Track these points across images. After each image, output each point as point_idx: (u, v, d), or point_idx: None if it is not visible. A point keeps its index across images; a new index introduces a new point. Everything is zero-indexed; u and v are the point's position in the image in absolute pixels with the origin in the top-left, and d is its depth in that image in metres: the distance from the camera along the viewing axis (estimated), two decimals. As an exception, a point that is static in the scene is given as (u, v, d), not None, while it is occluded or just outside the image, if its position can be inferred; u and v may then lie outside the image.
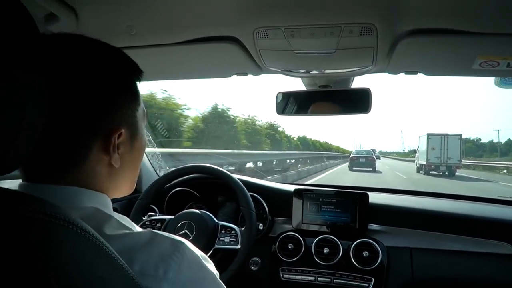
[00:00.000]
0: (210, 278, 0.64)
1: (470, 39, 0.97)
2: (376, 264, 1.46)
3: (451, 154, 22.06)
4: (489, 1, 0.84)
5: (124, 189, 0.71)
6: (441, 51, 1.07)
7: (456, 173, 21.76)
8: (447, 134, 22.95)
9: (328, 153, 36.33)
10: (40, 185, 0.60)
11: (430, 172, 21.98)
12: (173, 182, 1.71)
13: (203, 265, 0.63)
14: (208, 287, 0.63)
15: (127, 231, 0.60)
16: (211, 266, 0.66)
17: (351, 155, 24.92)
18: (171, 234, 0.63)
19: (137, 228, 0.62)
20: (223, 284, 0.66)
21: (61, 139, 0.58)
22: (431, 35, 0.97)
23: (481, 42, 0.98)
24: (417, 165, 24.88)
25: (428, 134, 22.98)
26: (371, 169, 22.09)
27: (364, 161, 23.01)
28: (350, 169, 22.52)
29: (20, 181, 0.62)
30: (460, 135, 23.14)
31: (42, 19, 0.95)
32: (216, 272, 0.66)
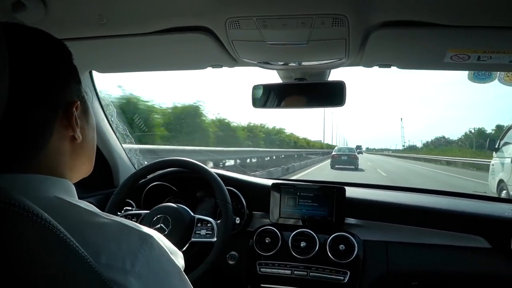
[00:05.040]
0: (176, 272, 0.64)
1: (440, 31, 0.98)
2: (352, 258, 1.47)
3: None
4: None
5: (85, 168, 0.73)
6: (412, 44, 1.08)
7: None
8: None
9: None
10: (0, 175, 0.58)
11: None
12: (149, 176, 1.70)
13: (170, 258, 0.63)
14: (173, 281, 0.63)
15: (94, 221, 0.59)
16: (178, 259, 0.66)
17: (333, 153, 23.87)
18: (140, 226, 0.62)
19: (104, 217, 0.61)
20: (187, 279, 0.66)
21: (23, 122, 0.58)
22: (402, 28, 0.98)
23: (451, 34, 1.00)
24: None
25: None
26: (353, 166, 21.44)
27: (346, 159, 22.05)
28: (332, 167, 21.53)
29: None
30: None
31: (10, 7, 0.93)
32: (182, 265, 0.67)
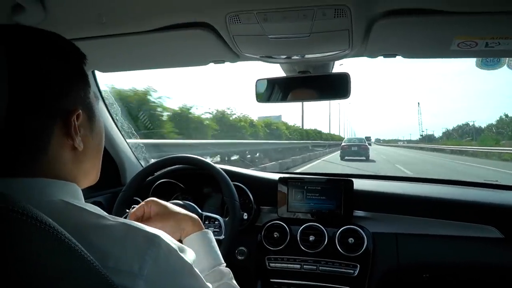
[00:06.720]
0: (186, 270, 0.63)
1: (447, 19, 0.95)
2: (362, 251, 1.46)
3: None
4: None
5: (91, 176, 0.71)
6: (418, 32, 1.05)
7: None
8: None
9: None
10: (5, 180, 0.57)
11: None
12: (156, 173, 1.70)
13: (179, 256, 0.62)
14: (184, 279, 0.62)
15: (100, 224, 0.58)
16: (188, 255, 0.66)
17: (343, 144, 23.11)
18: (146, 227, 0.62)
19: (110, 220, 0.60)
20: (200, 274, 0.66)
21: (19, 127, 0.57)
22: (406, 16, 0.95)
23: (457, 22, 0.97)
24: None
25: None
26: (364, 158, 20.86)
27: (357, 150, 21.35)
28: (342, 158, 20.88)
29: None
30: None
31: (9, 10, 0.93)
32: (192, 258, 0.67)
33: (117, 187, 1.75)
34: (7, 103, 0.50)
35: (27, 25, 0.63)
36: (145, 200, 0.94)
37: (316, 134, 33.37)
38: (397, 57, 1.19)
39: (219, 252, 0.92)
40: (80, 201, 0.64)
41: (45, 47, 0.62)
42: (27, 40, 0.61)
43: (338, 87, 1.33)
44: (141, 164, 1.95)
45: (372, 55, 1.21)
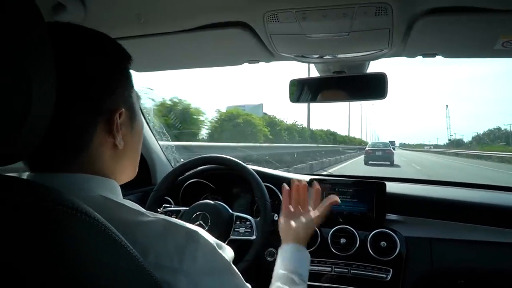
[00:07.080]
0: (224, 266, 0.64)
1: (493, 17, 0.92)
2: (394, 255, 1.43)
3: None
4: None
5: (128, 173, 0.72)
6: (461, 31, 1.02)
7: None
8: None
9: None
10: (47, 175, 0.59)
11: None
12: (187, 173, 1.71)
13: (217, 253, 0.63)
14: (222, 275, 0.63)
15: (140, 220, 0.59)
16: (225, 252, 0.66)
17: (367, 148, 23.09)
18: (184, 223, 0.63)
19: (149, 216, 0.61)
20: (237, 270, 0.66)
21: (63, 123, 0.58)
22: (451, 14, 0.93)
23: (504, 20, 0.93)
24: None
25: None
26: (388, 162, 20.61)
27: (381, 154, 21.19)
28: (366, 163, 20.66)
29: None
30: None
31: (51, 9, 0.95)
32: (231, 256, 0.68)
33: (148, 186, 1.78)
34: (54, 100, 0.51)
35: (72, 24, 0.63)
36: (329, 198, 1.14)
37: (327, 137, 28.60)
38: (437, 56, 1.16)
39: (307, 268, 0.99)
40: (119, 197, 0.65)
41: (92, 45, 0.63)
42: (75, 37, 0.61)
43: (375, 87, 1.30)
44: (171, 164, 1.97)
45: (411, 54, 1.18)
